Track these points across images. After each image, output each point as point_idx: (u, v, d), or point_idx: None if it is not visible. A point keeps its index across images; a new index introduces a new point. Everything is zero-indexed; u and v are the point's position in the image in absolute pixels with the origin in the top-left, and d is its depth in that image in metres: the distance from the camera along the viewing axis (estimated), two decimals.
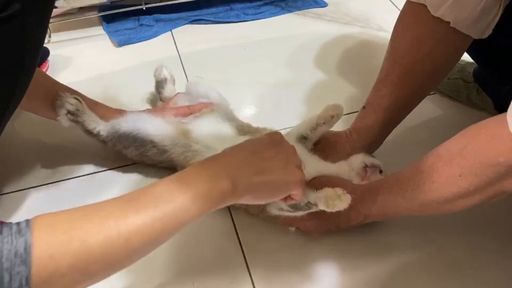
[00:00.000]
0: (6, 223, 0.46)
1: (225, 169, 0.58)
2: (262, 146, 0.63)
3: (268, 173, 0.60)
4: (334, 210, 0.71)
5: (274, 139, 0.66)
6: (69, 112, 0.89)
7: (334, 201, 0.71)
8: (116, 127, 0.90)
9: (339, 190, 0.71)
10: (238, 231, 0.87)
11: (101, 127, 0.91)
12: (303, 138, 0.90)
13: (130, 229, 0.49)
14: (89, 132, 0.91)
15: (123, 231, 0.49)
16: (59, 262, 0.46)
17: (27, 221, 0.46)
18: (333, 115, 0.88)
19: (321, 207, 0.72)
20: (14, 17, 0.56)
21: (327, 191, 0.72)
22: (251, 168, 0.59)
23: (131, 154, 0.92)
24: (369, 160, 0.86)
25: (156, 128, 0.89)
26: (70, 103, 0.89)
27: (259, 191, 0.61)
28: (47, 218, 0.48)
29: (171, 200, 0.53)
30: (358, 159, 0.86)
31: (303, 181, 0.65)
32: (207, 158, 0.61)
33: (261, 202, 0.65)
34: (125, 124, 0.89)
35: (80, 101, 0.90)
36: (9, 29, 0.56)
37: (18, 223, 0.46)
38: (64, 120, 0.90)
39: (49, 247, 0.46)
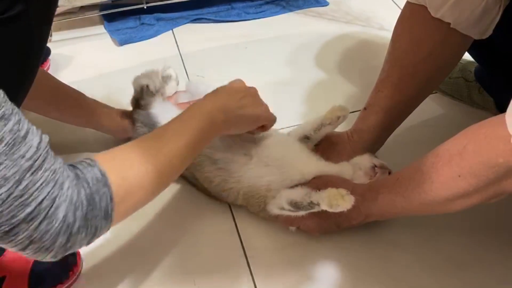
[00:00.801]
0: (76, 162, 0.56)
1: (216, 107, 0.73)
2: (234, 89, 0.79)
3: (246, 108, 0.77)
4: (337, 210, 0.71)
5: (239, 84, 0.82)
6: (148, 87, 0.92)
7: (338, 201, 0.71)
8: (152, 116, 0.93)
9: (342, 191, 0.72)
10: (239, 230, 0.87)
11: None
12: (305, 138, 0.90)
13: (170, 154, 0.64)
14: (138, 103, 0.94)
15: (166, 154, 0.63)
16: (129, 182, 0.58)
17: (89, 158, 0.57)
18: (339, 116, 0.88)
19: (324, 207, 0.72)
20: (19, 17, 0.56)
21: (330, 191, 0.72)
22: (233, 105, 0.76)
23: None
24: (377, 161, 0.86)
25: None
26: (156, 83, 0.93)
27: (239, 122, 0.78)
28: (104, 154, 0.59)
29: (188, 132, 0.67)
30: (366, 160, 0.87)
31: (270, 115, 0.84)
32: (198, 99, 0.76)
33: (241, 131, 0.81)
34: (157, 108, 0.94)
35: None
36: (14, 29, 0.56)
37: (80, 162, 0.56)
38: (137, 84, 0.94)
39: (119, 171, 0.57)
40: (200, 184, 0.90)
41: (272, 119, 0.85)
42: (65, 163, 0.54)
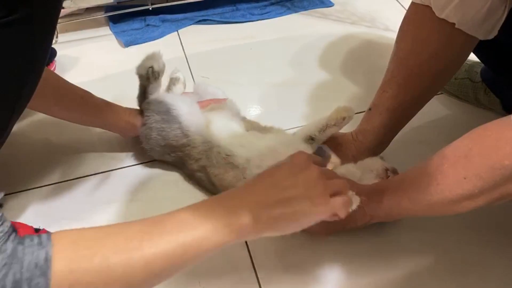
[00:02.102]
0: (27, 235, 0.46)
1: (245, 202, 0.57)
2: (283, 174, 0.61)
3: (287, 205, 0.58)
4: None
5: (297, 163, 0.63)
6: (153, 69, 0.91)
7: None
8: (160, 96, 0.93)
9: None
10: None
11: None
12: (310, 139, 0.90)
13: (152, 252, 0.49)
14: (145, 92, 0.94)
15: (146, 253, 0.49)
16: (79, 278, 0.46)
17: (49, 234, 0.46)
18: (344, 117, 0.88)
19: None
20: (22, 20, 0.56)
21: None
22: (271, 200, 0.58)
23: (152, 127, 0.91)
24: (389, 165, 0.86)
25: (191, 112, 0.91)
26: (160, 63, 0.92)
27: (280, 224, 0.59)
28: (70, 234, 0.48)
29: (193, 228, 0.53)
30: (378, 162, 0.87)
31: (328, 207, 0.61)
32: (230, 189, 0.61)
33: (286, 232, 0.60)
34: (169, 96, 0.93)
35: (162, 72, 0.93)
36: (18, 31, 0.57)
37: (39, 235, 0.46)
38: (142, 69, 0.92)
39: (70, 261, 0.46)
40: (207, 181, 0.90)
41: (332, 208, 0.62)
42: (13, 232, 0.46)
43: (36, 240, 0.45)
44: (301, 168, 0.62)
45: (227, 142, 0.88)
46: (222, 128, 0.91)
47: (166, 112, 0.90)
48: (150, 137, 0.91)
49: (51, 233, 0.47)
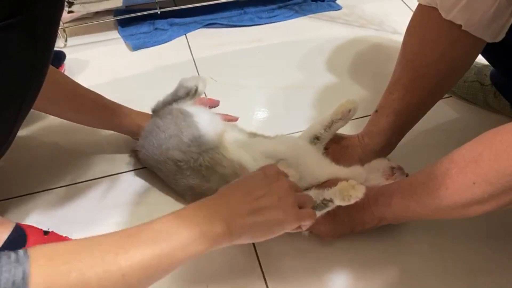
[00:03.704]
0: (4, 251, 0.46)
1: (219, 212, 0.59)
2: (256, 184, 0.64)
3: (260, 214, 0.61)
4: (350, 202, 0.71)
5: (268, 174, 0.67)
6: (197, 89, 0.94)
7: (349, 192, 0.71)
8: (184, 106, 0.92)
9: (352, 181, 0.72)
10: None
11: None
12: (315, 139, 0.90)
13: (128, 264, 0.50)
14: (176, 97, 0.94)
15: (122, 266, 0.50)
16: None
17: (25, 250, 0.46)
18: (350, 109, 0.88)
19: (337, 201, 0.72)
20: (24, 22, 0.57)
21: (341, 184, 0.73)
22: (244, 209, 0.61)
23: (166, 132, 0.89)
24: (395, 164, 0.86)
25: (210, 123, 0.90)
26: (204, 87, 0.94)
27: (253, 231, 0.62)
28: (46, 249, 0.48)
29: (168, 238, 0.54)
30: (384, 162, 0.87)
31: (298, 217, 0.66)
32: (204, 198, 0.62)
33: (259, 240, 0.64)
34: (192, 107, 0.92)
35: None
36: (19, 34, 0.57)
37: (16, 252, 0.46)
38: (189, 83, 0.94)
39: (47, 277, 0.46)
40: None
41: (300, 219, 0.66)
42: None
43: (13, 257, 0.45)
44: (273, 179, 0.66)
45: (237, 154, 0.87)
46: (236, 139, 0.91)
47: (184, 118, 0.89)
48: (157, 140, 0.90)
49: (28, 248, 0.47)
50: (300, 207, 0.67)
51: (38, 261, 0.46)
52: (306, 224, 0.68)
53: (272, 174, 0.67)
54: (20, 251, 0.46)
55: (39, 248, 0.48)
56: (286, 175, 0.72)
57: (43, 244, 0.49)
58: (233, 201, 0.62)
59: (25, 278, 0.44)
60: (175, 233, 0.55)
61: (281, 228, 0.64)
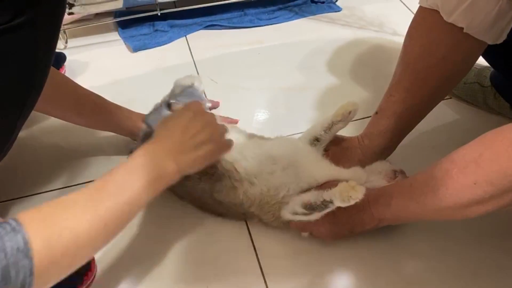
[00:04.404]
0: None
1: (167, 153, 0.68)
2: (189, 122, 0.72)
3: (200, 148, 0.71)
4: (350, 202, 0.71)
5: (195, 110, 0.75)
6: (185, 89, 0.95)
7: (349, 193, 0.71)
8: None
9: (352, 182, 0.72)
10: (252, 236, 0.87)
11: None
12: (315, 140, 0.90)
13: (108, 215, 0.57)
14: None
15: (102, 217, 0.57)
16: (54, 252, 0.51)
17: (15, 219, 0.50)
18: (350, 111, 0.88)
19: (337, 202, 0.72)
20: (25, 25, 0.57)
21: (341, 185, 0.73)
22: (187, 147, 0.70)
23: None
24: (397, 167, 0.86)
25: None
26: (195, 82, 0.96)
27: (196, 164, 0.72)
28: (34, 213, 0.53)
29: (132, 186, 0.61)
30: (386, 164, 0.87)
31: (228, 147, 0.78)
32: (148, 142, 0.69)
33: (198, 169, 0.73)
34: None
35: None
36: (21, 36, 0.57)
37: (7, 223, 0.49)
38: (187, 81, 0.97)
39: (45, 240, 0.50)
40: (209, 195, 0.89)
41: (227, 147, 0.79)
42: None
43: (8, 227, 0.49)
44: (201, 115, 0.75)
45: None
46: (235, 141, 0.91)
47: None
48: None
49: (17, 216, 0.51)
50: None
51: (31, 225, 0.50)
52: (229, 151, 0.79)
53: (199, 110, 0.75)
54: (11, 221, 0.50)
55: (27, 213, 0.52)
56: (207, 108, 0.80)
57: (29, 211, 0.53)
58: (175, 142, 0.70)
59: (26, 243, 0.48)
60: (136, 180, 0.62)
61: (215, 158, 0.77)
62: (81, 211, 0.55)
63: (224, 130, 0.78)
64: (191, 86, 0.96)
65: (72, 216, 0.54)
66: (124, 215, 0.60)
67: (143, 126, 0.90)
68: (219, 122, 0.78)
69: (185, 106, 0.77)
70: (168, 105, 0.89)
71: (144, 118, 0.97)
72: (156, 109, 0.92)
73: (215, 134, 0.75)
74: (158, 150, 0.68)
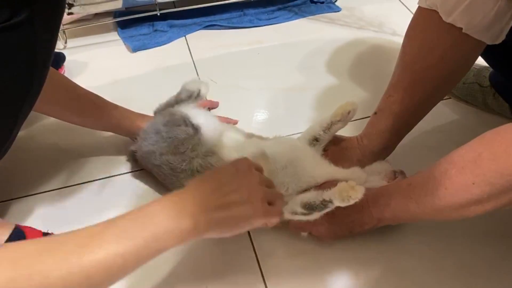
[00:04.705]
0: None
1: (186, 207, 0.58)
2: (225, 178, 0.63)
3: (228, 209, 0.61)
4: (349, 202, 0.71)
5: (239, 168, 0.66)
6: (199, 92, 0.96)
7: (348, 193, 0.71)
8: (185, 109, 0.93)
9: (352, 182, 0.72)
10: (251, 236, 0.87)
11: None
12: (314, 140, 0.90)
13: (92, 265, 0.49)
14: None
15: (85, 267, 0.49)
16: None
17: None
18: (349, 110, 0.88)
19: (336, 202, 0.72)
20: (24, 23, 0.57)
21: (340, 185, 0.72)
22: (212, 205, 0.60)
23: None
24: (397, 168, 0.86)
25: (209, 125, 0.90)
26: (206, 91, 0.97)
27: (220, 227, 0.61)
28: (10, 252, 0.48)
29: (133, 237, 0.53)
30: (386, 165, 0.87)
31: (272, 215, 0.66)
32: (171, 193, 0.60)
33: (227, 235, 0.63)
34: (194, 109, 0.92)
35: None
36: (19, 35, 0.57)
37: None
38: (192, 86, 0.97)
39: (10, 281, 0.46)
40: None
41: (270, 215, 0.67)
42: None
43: None
44: (244, 174, 0.65)
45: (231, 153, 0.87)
46: (232, 140, 0.91)
47: (184, 123, 0.89)
48: (155, 142, 0.90)
49: None
50: (269, 203, 0.67)
51: (2, 265, 0.46)
52: (273, 222, 0.68)
53: (244, 168, 0.66)
54: None
55: (3, 251, 0.48)
56: (259, 169, 0.71)
57: (6, 246, 0.49)
58: (201, 196, 0.60)
59: None
60: (140, 230, 0.54)
61: (248, 224, 0.64)
62: (63, 256, 0.49)
63: (272, 195, 0.68)
64: (197, 95, 0.97)
65: (50, 260, 0.48)
66: (114, 269, 0.51)
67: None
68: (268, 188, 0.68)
69: (232, 162, 0.68)
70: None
71: (144, 118, 0.97)
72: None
73: (255, 197, 0.64)
74: (177, 203, 0.58)
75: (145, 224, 0.54)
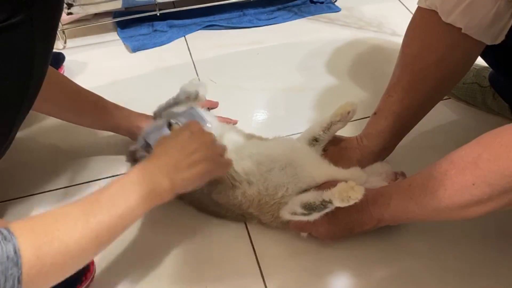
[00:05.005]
0: None
1: (162, 170, 0.69)
2: (185, 141, 0.73)
3: (196, 166, 0.71)
4: (349, 203, 0.71)
5: (193, 130, 0.76)
6: (197, 94, 0.96)
7: (348, 193, 0.71)
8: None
9: (351, 183, 0.72)
10: (251, 237, 0.87)
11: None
12: (314, 141, 0.90)
13: (99, 227, 0.59)
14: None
15: (94, 229, 0.58)
16: (44, 261, 0.52)
17: (7, 229, 0.51)
18: (349, 111, 0.88)
19: (336, 203, 0.72)
20: (22, 24, 0.57)
21: (340, 185, 0.73)
22: (182, 165, 0.71)
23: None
24: (398, 170, 0.86)
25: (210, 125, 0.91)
26: (204, 93, 0.97)
27: (191, 182, 0.72)
28: (27, 224, 0.54)
29: (125, 200, 0.63)
30: (387, 166, 0.88)
31: (226, 166, 0.80)
32: (144, 160, 0.71)
33: (193, 188, 0.74)
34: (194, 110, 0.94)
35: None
36: (17, 35, 0.57)
37: (0, 231, 0.51)
38: (189, 87, 0.97)
39: (35, 249, 0.52)
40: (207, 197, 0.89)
41: (225, 166, 0.80)
42: None
43: (0, 236, 0.50)
44: (200, 134, 0.76)
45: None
46: (233, 141, 0.91)
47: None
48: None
49: (10, 226, 0.52)
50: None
51: (23, 235, 0.51)
52: (227, 170, 0.81)
53: (196, 130, 0.76)
54: (4, 230, 0.51)
55: (20, 224, 0.53)
56: (224, 148, 0.80)
57: (21, 220, 0.54)
58: (171, 159, 0.70)
59: (17, 252, 0.50)
60: (129, 195, 0.63)
61: (211, 176, 0.77)
62: (72, 222, 0.57)
63: (222, 149, 0.80)
64: (195, 96, 0.96)
65: (63, 227, 0.55)
66: (115, 228, 0.61)
67: (141, 143, 0.90)
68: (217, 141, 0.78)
69: (183, 126, 0.78)
70: (169, 125, 0.89)
71: (144, 118, 0.97)
72: (157, 128, 0.91)
73: (212, 153, 0.75)
74: (153, 168, 0.69)
75: (133, 189, 0.64)
